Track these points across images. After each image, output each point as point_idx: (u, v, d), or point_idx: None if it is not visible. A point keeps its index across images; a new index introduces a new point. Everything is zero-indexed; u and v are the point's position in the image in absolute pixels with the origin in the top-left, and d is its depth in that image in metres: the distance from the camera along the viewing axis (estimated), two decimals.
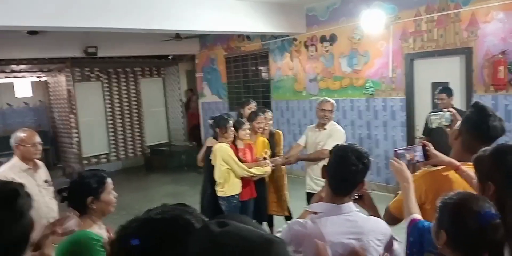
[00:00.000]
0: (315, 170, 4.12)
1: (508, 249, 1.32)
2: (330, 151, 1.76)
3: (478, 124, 1.88)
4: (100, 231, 2.03)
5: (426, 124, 4.81)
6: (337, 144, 1.78)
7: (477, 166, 1.58)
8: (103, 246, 1.92)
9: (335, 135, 4.09)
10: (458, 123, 2.06)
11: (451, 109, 2.39)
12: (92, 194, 1.99)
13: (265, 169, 4.08)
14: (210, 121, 4.19)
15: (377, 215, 1.86)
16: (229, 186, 3.93)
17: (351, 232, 1.64)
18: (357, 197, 1.83)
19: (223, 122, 3.94)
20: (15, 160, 3.13)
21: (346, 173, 1.66)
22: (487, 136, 1.87)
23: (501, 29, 4.98)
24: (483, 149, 1.61)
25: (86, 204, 1.98)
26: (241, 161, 4.02)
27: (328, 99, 4.30)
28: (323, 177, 1.77)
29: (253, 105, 4.85)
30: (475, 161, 1.59)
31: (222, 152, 3.87)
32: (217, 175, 3.95)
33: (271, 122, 4.63)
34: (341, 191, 1.69)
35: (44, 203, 3.16)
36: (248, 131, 4.09)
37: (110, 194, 2.07)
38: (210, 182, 4.11)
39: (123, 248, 0.94)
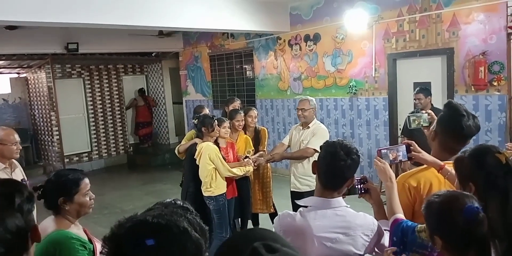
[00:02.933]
0: (299, 168, 4.14)
1: (493, 249, 1.33)
2: (321, 147, 1.79)
3: (452, 124, 1.90)
4: (78, 231, 1.99)
5: (405, 124, 4.88)
6: (327, 140, 1.82)
7: (458, 167, 1.60)
8: (82, 245, 1.90)
9: (318, 133, 4.10)
10: (434, 123, 2.09)
11: (429, 111, 2.43)
12: (65, 195, 1.94)
13: (247, 169, 4.08)
14: (195, 121, 4.16)
15: (382, 211, 1.87)
16: (216, 186, 3.91)
17: (339, 226, 1.68)
18: (363, 191, 1.88)
19: (208, 121, 3.92)
20: None
21: (335, 168, 1.68)
22: (462, 135, 1.91)
23: (482, 30, 5.07)
24: (463, 150, 1.63)
25: (56, 205, 1.94)
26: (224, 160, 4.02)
27: (304, 97, 4.30)
28: (313, 173, 1.80)
29: (237, 103, 4.87)
30: (456, 163, 1.61)
31: (210, 151, 3.84)
32: (203, 174, 3.91)
33: (256, 119, 4.66)
34: (331, 185, 1.73)
35: None
36: (228, 129, 4.10)
37: (86, 195, 2.01)
38: (193, 181, 4.09)
39: (112, 247, 0.92)
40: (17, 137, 3.08)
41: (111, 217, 5.98)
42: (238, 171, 4.01)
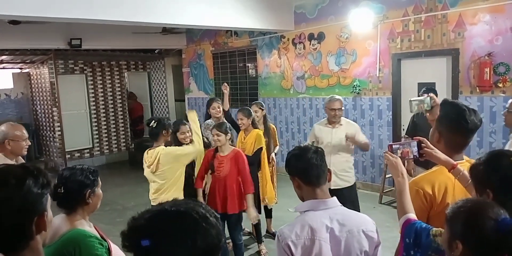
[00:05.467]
0: (339, 165, 4.15)
1: None
2: (292, 151, 1.84)
3: (457, 121, 1.89)
4: (91, 229, 1.97)
5: (410, 124, 4.85)
6: (297, 146, 1.88)
7: (473, 174, 1.57)
8: (100, 243, 1.88)
9: (358, 129, 4.33)
10: (434, 127, 2.06)
11: (432, 94, 2.40)
12: (90, 187, 1.95)
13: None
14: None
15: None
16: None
17: (342, 225, 1.67)
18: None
19: (168, 124, 3.60)
20: None
21: (315, 165, 1.74)
22: (469, 129, 1.90)
23: (487, 31, 5.03)
24: (478, 157, 1.60)
25: (82, 199, 1.91)
26: (213, 169, 3.80)
27: (336, 97, 4.25)
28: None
29: (216, 104, 4.83)
30: (471, 170, 1.59)
31: (169, 150, 3.52)
32: (173, 176, 3.58)
33: (259, 113, 4.72)
34: (319, 179, 1.74)
35: None
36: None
37: (100, 188, 2.04)
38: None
39: (133, 242, 0.91)
40: (26, 133, 3.05)
41: (113, 214, 5.97)
42: (198, 130, 3.68)
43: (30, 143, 3.12)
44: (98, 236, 1.94)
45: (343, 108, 4.24)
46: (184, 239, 0.88)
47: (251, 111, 4.50)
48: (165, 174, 3.53)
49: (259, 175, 4.45)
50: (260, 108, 4.80)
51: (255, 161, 4.28)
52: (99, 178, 2.02)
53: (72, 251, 1.79)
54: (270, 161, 4.73)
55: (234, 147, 3.91)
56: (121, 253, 2.01)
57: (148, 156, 3.60)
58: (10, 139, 2.94)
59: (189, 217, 0.92)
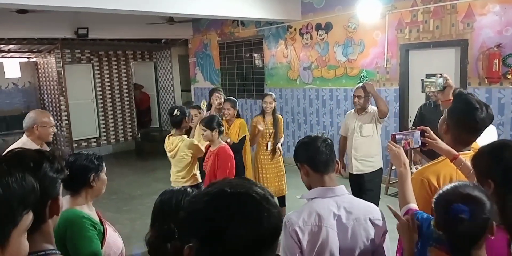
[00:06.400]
0: (361, 151, 4.21)
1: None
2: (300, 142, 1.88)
3: (466, 118, 1.85)
4: (91, 212, 2.00)
5: (417, 115, 4.81)
6: (307, 136, 1.90)
7: (476, 164, 1.56)
8: (93, 225, 1.91)
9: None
10: (451, 91, 2.12)
11: (445, 75, 2.37)
12: (94, 171, 1.99)
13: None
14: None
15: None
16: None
17: (349, 212, 1.68)
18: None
19: (188, 112, 3.88)
20: (25, 140, 3.10)
21: (324, 153, 1.77)
22: (477, 129, 1.87)
23: (497, 22, 4.96)
24: (481, 146, 1.60)
25: (87, 182, 1.96)
26: (201, 163, 3.89)
27: (360, 85, 4.35)
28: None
29: (217, 94, 4.95)
30: (473, 159, 1.58)
31: (188, 145, 3.77)
32: (184, 165, 3.83)
33: (272, 105, 4.81)
34: (327, 167, 1.77)
35: None
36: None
37: (104, 173, 2.08)
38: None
39: (196, 223, 0.88)
40: (53, 120, 3.21)
41: (119, 203, 6.04)
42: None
43: (55, 130, 3.28)
44: (96, 219, 1.98)
45: (365, 96, 4.23)
46: (249, 222, 0.85)
47: (237, 102, 4.74)
48: (183, 159, 3.78)
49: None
50: (274, 100, 4.91)
51: (240, 148, 4.43)
52: (104, 164, 2.07)
53: (63, 229, 1.83)
54: (277, 150, 4.83)
55: (222, 143, 3.72)
56: (119, 240, 2.04)
57: (169, 142, 3.82)
58: (39, 125, 3.08)
59: (251, 198, 0.88)
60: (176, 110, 3.75)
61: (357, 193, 4.10)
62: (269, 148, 4.81)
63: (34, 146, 3.02)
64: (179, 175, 3.85)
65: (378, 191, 4.28)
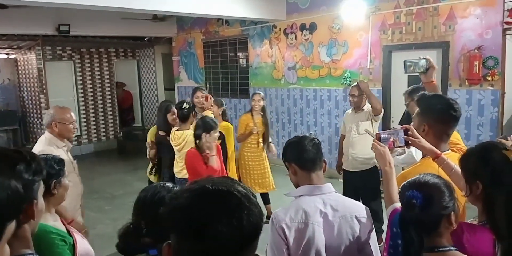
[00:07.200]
0: (358, 149, 4.21)
1: (500, 248, 1.29)
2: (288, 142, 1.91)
3: (446, 111, 1.93)
4: (55, 223, 1.85)
5: (404, 115, 4.87)
6: (296, 136, 1.93)
7: (463, 165, 1.58)
8: (62, 239, 1.77)
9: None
10: (434, 72, 2.20)
11: (428, 57, 2.41)
12: (55, 177, 1.82)
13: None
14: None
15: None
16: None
17: (335, 210, 1.70)
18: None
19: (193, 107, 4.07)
20: (50, 137, 2.93)
21: (311, 151, 1.80)
22: (457, 119, 1.96)
23: (478, 25, 5.06)
24: (469, 148, 1.62)
25: (47, 190, 1.70)
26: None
27: (355, 83, 4.35)
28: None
29: (200, 94, 4.81)
30: (461, 160, 1.59)
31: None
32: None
33: (260, 103, 4.88)
34: (314, 165, 1.79)
35: (79, 180, 3.06)
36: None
37: (66, 178, 1.92)
38: (171, 168, 4.12)
39: (175, 222, 0.87)
40: (73, 116, 3.02)
41: (101, 202, 5.95)
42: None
43: (77, 127, 3.14)
44: (64, 231, 1.84)
45: (358, 94, 4.23)
46: (229, 219, 0.84)
47: (223, 101, 4.83)
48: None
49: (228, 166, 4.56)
50: (263, 98, 4.97)
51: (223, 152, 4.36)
52: (65, 168, 1.90)
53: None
54: (272, 148, 5.01)
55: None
56: (89, 248, 1.92)
57: (176, 136, 3.89)
58: (57, 122, 2.92)
59: (233, 196, 0.87)
60: (185, 104, 3.87)
61: (350, 190, 4.13)
62: (264, 148, 4.94)
63: (59, 143, 2.93)
64: (184, 167, 3.88)
65: (377, 188, 4.29)
